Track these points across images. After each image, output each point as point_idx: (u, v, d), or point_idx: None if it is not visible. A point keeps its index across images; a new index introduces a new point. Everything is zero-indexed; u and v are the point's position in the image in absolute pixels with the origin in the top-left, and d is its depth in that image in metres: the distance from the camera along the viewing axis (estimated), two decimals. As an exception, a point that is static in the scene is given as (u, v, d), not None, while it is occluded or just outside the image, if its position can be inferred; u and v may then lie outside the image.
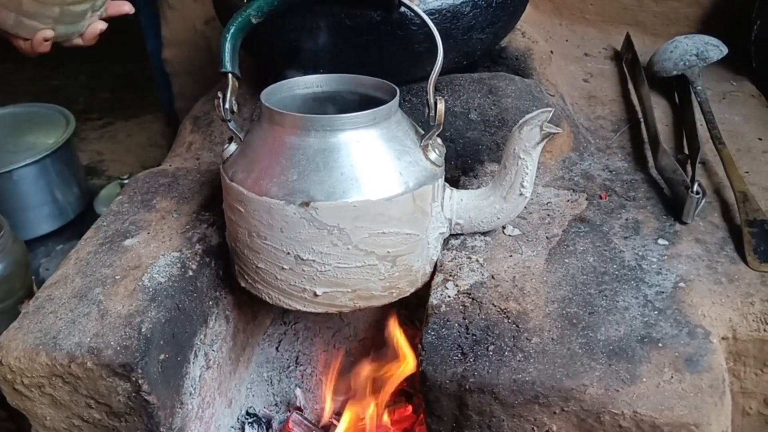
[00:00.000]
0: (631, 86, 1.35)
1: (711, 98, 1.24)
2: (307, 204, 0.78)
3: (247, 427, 1.07)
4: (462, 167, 1.06)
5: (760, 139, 1.16)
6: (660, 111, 1.24)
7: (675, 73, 1.29)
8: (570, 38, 1.58)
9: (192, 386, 0.88)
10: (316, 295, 0.83)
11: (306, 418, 1.09)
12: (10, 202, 1.58)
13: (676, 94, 1.30)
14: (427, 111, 0.82)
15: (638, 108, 1.26)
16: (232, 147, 0.86)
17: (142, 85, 2.45)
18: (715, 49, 1.31)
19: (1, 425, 1.09)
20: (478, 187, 0.97)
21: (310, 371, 1.16)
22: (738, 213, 0.94)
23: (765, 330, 0.81)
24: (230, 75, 0.85)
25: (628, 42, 1.46)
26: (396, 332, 0.98)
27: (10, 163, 1.56)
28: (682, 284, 0.82)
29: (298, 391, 1.13)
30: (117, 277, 0.87)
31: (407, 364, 0.96)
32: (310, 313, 0.87)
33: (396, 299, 0.87)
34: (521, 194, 0.85)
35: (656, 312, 0.78)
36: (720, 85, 1.36)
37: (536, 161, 0.83)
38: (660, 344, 0.74)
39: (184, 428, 0.86)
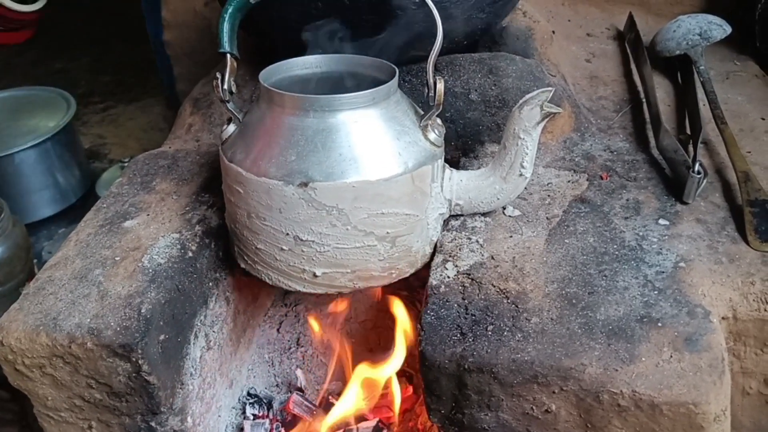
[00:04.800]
0: (633, 66, 1.34)
1: (714, 78, 1.23)
2: (305, 184, 0.77)
3: (248, 407, 1.08)
4: (462, 148, 1.06)
5: (763, 119, 1.15)
6: (662, 91, 1.24)
7: (678, 52, 1.28)
8: (572, 18, 1.57)
9: (193, 367, 0.89)
10: (315, 275, 0.83)
11: (307, 399, 1.09)
12: (12, 186, 1.58)
13: (678, 74, 1.29)
14: (426, 91, 0.82)
15: (640, 88, 1.25)
16: (231, 128, 0.86)
17: (143, 68, 2.44)
18: (719, 28, 1.30)
19: (5, 406, 1.10)
20: (479, 167, 0.96)
21: (311, 352, 1.16)
22: (739, 193, 0.93)
23: (765, 310, 0.80)
24: (228, 55, 0.84)
25: (630, 21, 1.45)
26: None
27: (11, 146, 1.56)
28: (682, 264, 0.82)
29: (299, 372, 1.13)
30: (117, 259, 0.87)
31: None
32: (310, 294, 0.87)
33: (395, 280, 0.87)
34: (521, 175, 0.85)
35: (656, 292, 0.78)
36: (723, 65, 1.35)
37: (536, 141, 0.83)
38: (659, 324, 0.74)
39: (185, 408, 0.87)
